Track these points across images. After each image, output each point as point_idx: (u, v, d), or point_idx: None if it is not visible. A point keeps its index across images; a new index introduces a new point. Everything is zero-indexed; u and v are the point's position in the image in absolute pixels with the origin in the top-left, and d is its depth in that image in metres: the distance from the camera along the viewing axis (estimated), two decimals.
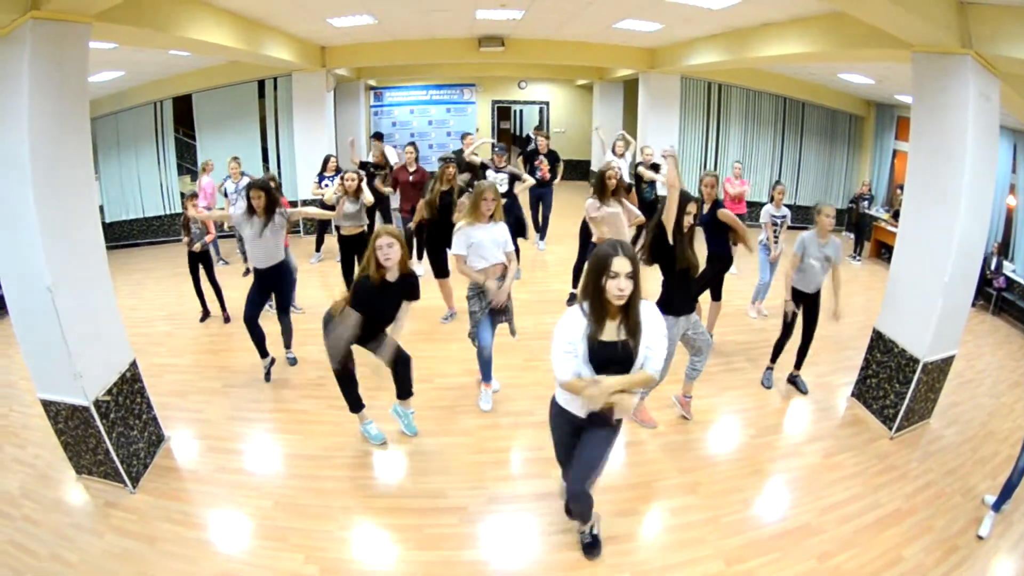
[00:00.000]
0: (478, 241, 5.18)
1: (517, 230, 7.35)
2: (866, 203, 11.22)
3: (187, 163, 12.68)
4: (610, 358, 3.21)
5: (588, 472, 3.54)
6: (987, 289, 8.78)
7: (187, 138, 12.61)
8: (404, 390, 5.14)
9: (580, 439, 3.57)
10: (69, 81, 4.12)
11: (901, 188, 10.24)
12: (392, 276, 4.55)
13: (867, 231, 11.28)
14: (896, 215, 10.58)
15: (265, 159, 12.56)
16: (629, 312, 3.20)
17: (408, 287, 4.66)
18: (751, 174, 13.19)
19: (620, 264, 3.07)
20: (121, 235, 11.76)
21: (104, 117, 11.06)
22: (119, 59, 8.34)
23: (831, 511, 4.46)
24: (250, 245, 5.98)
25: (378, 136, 10.84)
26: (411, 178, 8.52)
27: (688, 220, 4.82)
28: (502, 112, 18.88)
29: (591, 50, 11.43)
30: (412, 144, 8.75)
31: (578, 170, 18.17)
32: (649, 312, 3.28)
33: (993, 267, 8.78)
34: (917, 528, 4.29)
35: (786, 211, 7.75)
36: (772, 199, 7.76)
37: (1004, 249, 9.13)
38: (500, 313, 5.48)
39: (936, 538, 4.20)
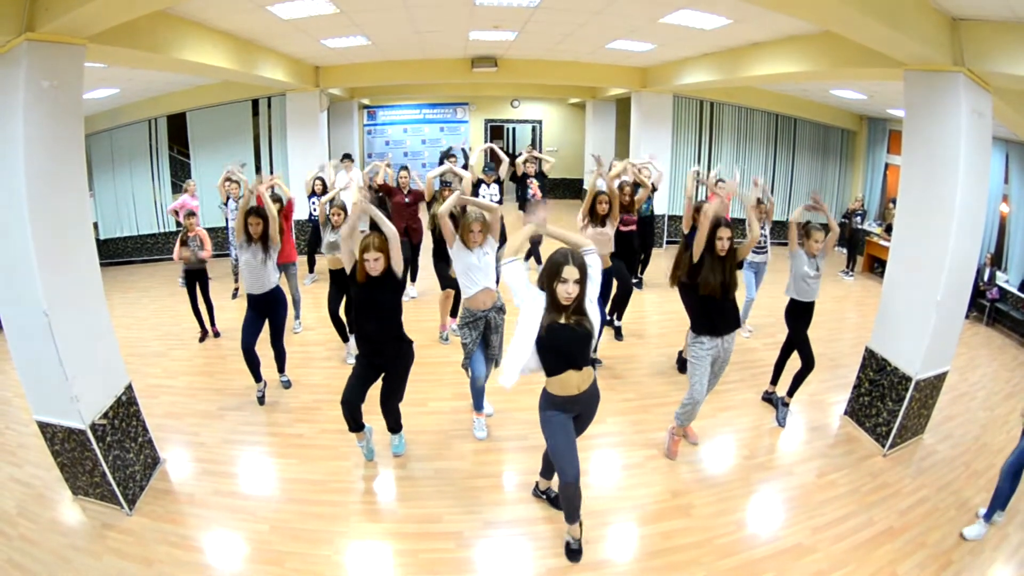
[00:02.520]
0: (467, 263, 5.26)
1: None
2: (859, 218, 11.26)
3: (181, 181, 12.65)
4: (569, 337, 3.68)
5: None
6: (980, 300, 8.82)
7: (181, 156, 12.62)
8: (395, 424, 5.24)
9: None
10: (64, 103, 4.13)
11: (894, 202, 10.33)
12: (375, 273, 4.68)
13: (860, 246, 11.34)
14: (889, 229, 10.64)
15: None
16: (577, 308, 3.69)
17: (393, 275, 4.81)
18: (743, 190, 13.23)
19: (569, 272, 3.55)
20: (116, 252, 11.76)
21: (99, 134, 11.09)
22: (114, 76, 8.38)
23: (825, 530, 4.47)
24: (245, 269, 5.98)
25: (347, 157, 10.96)
26: (406, 199, 8.63)
27: (722, 244, 4.90)
28: (495, 131, 18.97)
29: (584, 70, 11.54)
30: (405, 168, 8.81)
31: (571, 189, 18.33)
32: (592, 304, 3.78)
33: (986, 278, 8.83)
34: (911, 544, 4.31)
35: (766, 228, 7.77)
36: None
37: (997, 259, 9.19)
38: (491, 347, 5.50)
39: (930, 553, 4.22)
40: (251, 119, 12.32)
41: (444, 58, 10.96)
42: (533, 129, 18.87)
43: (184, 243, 7.56)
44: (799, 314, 5.91)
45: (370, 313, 4.73)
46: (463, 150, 9.98)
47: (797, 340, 5.90)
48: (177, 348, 7.69)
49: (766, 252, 7.71)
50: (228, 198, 9.32)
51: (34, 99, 3.84)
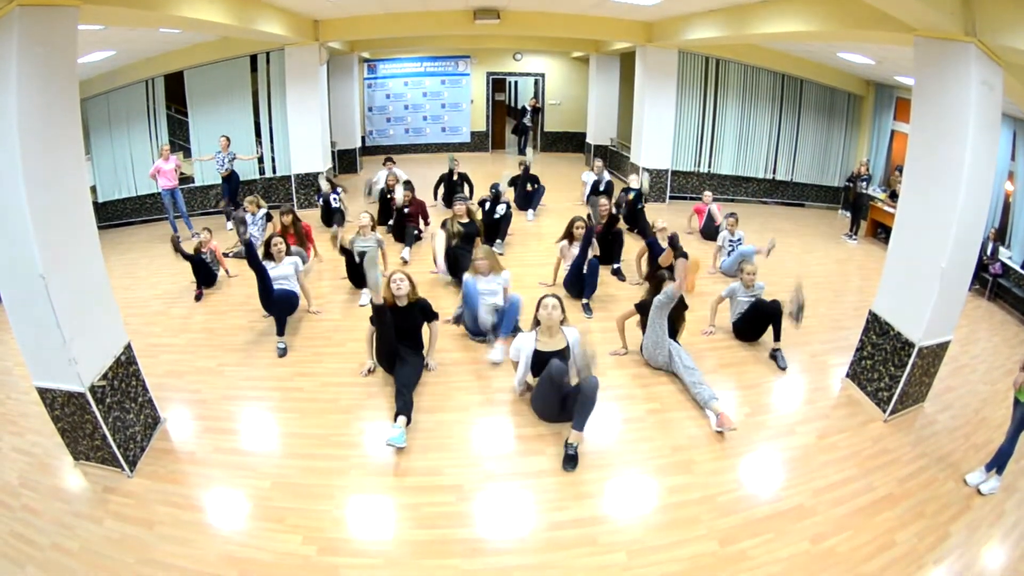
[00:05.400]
0: (474, 291, 6.40)
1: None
2: (864, 183, 11.12)
3: (179, 140, 12.54)
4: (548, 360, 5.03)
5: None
6: (983, 274, 8.74)
7: (179, 115, 12.44)
8: (403, 405, 5.18)
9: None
10: (58, 67, 4.03)
11: (899, 169, 10.25)
12: (401, 303, 5.64)
13: (864, 210, 11.22)
14: (893, 195, 10.54)
15: (258, 134, 12.42)
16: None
17: (420, 310, 5.78)
18: (749, 148, 13.31)
19: (548, 300, 5.25)
20: (114, 214, 11.65)
21: (95, 97, 10.89)
22: (109, 38, 8.19)
23: (825, 493, 4.50)
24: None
25: (391, 160, 12.13)
26: (406, 211, 9.50)
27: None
28: (497, 84, 18.65)
29: (588, 23, 11.27)
30: (408, 183, 9.82)
31: (573, 142, 18.35)
32: (570, 331, 5.34)
33: (989, 253, 8.75)
34: (910, 513, 4.33)
35: (740, 234, 8.89)
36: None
37: (1001, 235, 9.08)
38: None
39: (928, 524, 4.24)
40: (249, 75, 12.10)
41: (446, 9, 10.72)
42: (536, 82, 18.59)
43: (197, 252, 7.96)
44: (754, 321, 6.52)
45: (384, 329, 5.54)
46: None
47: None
48: (176, 306, 7.67)
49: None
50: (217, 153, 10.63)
51: (27, 65, 3.74)
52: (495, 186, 9.72)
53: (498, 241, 9.25)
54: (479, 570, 3.84)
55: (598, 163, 12.26)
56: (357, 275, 7.50)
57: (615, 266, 8.52)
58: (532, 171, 11.92)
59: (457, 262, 7.68)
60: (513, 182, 11.43)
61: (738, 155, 13.38)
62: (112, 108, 11.22)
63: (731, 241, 8.77)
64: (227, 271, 8.50)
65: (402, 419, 4.99)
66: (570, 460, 4.66)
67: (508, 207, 9.61)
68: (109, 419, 4.50)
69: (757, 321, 6.53)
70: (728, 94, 13.14)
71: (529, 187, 11.73)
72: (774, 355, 6.33)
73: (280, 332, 6.47)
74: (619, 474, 4.64)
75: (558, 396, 4.98)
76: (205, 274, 7.98)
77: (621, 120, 16.26)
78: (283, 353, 6.34)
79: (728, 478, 4.66)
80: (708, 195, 10.71)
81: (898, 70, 9.91)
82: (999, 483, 4.60)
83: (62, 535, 4.08)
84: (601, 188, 11.50)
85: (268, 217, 9.60)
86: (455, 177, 11.30)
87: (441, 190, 11.60)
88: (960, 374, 6.38)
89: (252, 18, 8.30)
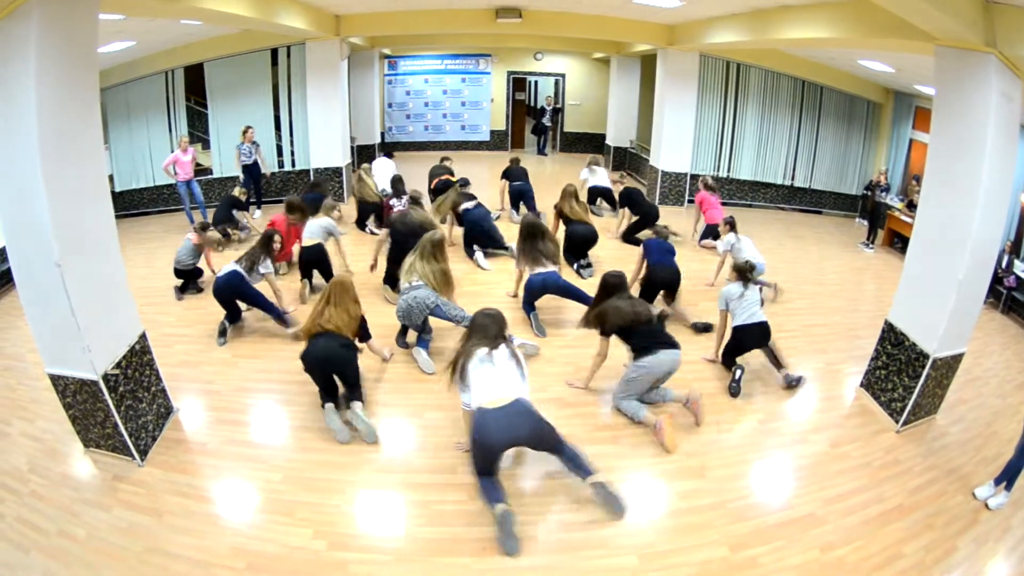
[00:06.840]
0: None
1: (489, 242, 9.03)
2: (883, 192, 11.04)
3: (198, 131, 12.60)
4: None
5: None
6: (997, 287, 8.62)
7: (199, 107, 12.54)
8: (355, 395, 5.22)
9: None
10: (78, 56, 4.03)
11: (917, 179, 10.17)
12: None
13: (881, 219, 11.11)
14: (911, 205, 10.44)
15: (278, 127, 12.48)
16: None
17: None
18: (768, 154, 13.26)
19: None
20: (132, 204, 11.71)
21: (114, 87, 10.92)
22: (130, 29, 8.22)
23: (836, 502, 4.48)
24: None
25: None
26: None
27: None
28: (517, 83, 18.66)
29: (609, 24, 11.22)
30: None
31: (592, 143, 18.30)
32: None
33: (1004, 265, 8.64)
34: (919, 525, 4.30)
35: (731, 241, 8.10)
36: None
37: (1016, 248, 8.95)
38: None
39: (937, 537, 4.21)
40: (270, 69, 12.15)
41: (467, 7, 10.72)
42: (556, 83, 18.61)
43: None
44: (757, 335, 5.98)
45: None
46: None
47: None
48: (193, 296, 7.72)
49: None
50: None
51: (47, 55, 3.74)
52: (463, 180, 9.80)
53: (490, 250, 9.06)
54: (489, 569, 3.84)
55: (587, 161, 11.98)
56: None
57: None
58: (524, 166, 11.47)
59: None
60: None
61: (757, 160, 13.31)
62: (131, 99, 11.25)
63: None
64: (213, 270, 8.14)
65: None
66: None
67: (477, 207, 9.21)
68: (121, 408, 4.52)
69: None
70: (748, 99, 13.07)
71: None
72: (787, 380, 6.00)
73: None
74: (631, 478, 4.62)
75: None
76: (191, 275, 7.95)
77: (641, 122, 16.24)
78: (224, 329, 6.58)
79: (740, 484, 4.64)
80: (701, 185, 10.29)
81: (917, 79, 9.82)
82: (1007, 498, 4.55)
83: (70, 522, 4.10)
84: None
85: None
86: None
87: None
88: (973, 386, 6.31)
89: (274, 12, 8.33)
